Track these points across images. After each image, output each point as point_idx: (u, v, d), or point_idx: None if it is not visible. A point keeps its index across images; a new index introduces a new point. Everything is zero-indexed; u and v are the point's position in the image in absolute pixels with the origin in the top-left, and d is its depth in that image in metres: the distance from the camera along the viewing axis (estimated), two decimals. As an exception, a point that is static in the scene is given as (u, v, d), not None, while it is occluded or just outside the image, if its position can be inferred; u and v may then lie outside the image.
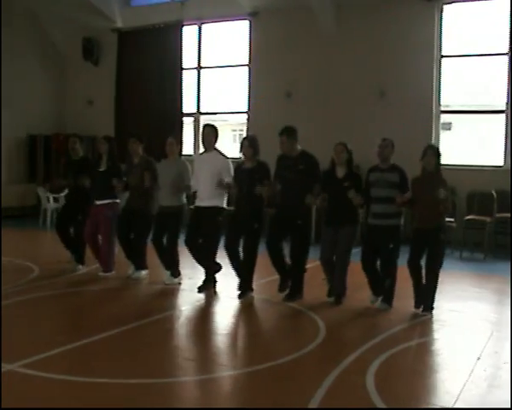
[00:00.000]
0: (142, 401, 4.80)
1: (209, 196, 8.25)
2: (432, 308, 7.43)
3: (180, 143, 9.04)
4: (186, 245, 8.43)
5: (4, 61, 15.79)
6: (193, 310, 7.81)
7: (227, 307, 8.06)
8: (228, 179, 8.12)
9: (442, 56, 13.27)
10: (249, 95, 15.34)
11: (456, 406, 4.81)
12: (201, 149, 8.93)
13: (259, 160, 8.15)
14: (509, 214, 11.62)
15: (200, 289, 8.42)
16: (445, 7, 13.20)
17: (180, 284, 8.80)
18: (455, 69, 13.69)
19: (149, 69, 16.28)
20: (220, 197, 8.33)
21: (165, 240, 8.82)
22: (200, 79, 16.23)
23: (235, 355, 6.14)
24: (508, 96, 12.36)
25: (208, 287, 8.45)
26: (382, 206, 7.50)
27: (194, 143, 16.09)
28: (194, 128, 16.26)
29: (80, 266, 9.62)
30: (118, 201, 9.31)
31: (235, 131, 19.01)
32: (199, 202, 8.44)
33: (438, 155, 7.46)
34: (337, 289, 7.89)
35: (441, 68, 13.30)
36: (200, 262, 8.57)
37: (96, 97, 17.46)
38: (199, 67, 16.19)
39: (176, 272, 8.86)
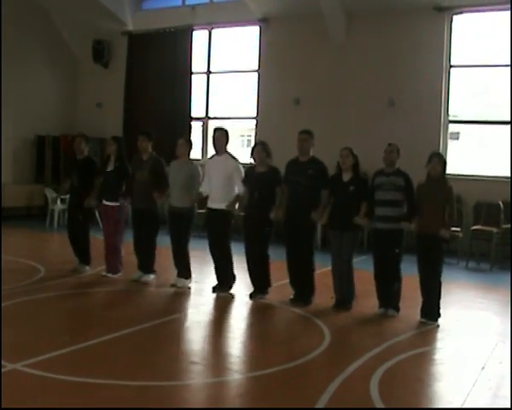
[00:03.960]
0: (145, 404, 4.82)
1: (220, 198, 8.31)
2: (438, 317, 7.43)
3: (190, 145, 9.01)
4: (211, 251, 8.55)
5: (15, 61, 15.85)
6: (199, 313, 7.82)
7: (233, 312, 8.08)
8: (237, 189, 8.28)
9: (451, 66, 13.28)
10: (258, 101, 15.38)
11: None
12: (210, 153, 8.96)
13: (271, 165, 8.22)
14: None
15: (215, 290, 8.48)
16: (455, 17, 13.21)
17: (189, 288, 8.78)
18: (464, 79, 13.70)
19: (159, 73, 16.36)
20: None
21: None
22: (210, 84, 16.29)
23: (240, 360, 6.15)
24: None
25: (224, 289, 8.48)
26: (387, 209, 7.53)
27: (203, 148, 16.13)
28: (203, 132, 16.30)
29: (87, 267, 9.61)
30: (126, 204, 9.32)
31: (243, 136, 19.01)
32: (211, 204, 8.51)
33: (443, 162, 7.48)
34: (346, 296, 7.91)
35: (450, 78, 13.30)
36: (217, 265, 8.61)
37: (105, 100, 17.53)
38: (208, 72, 16.25)
39: (187, 274, 8.83)
